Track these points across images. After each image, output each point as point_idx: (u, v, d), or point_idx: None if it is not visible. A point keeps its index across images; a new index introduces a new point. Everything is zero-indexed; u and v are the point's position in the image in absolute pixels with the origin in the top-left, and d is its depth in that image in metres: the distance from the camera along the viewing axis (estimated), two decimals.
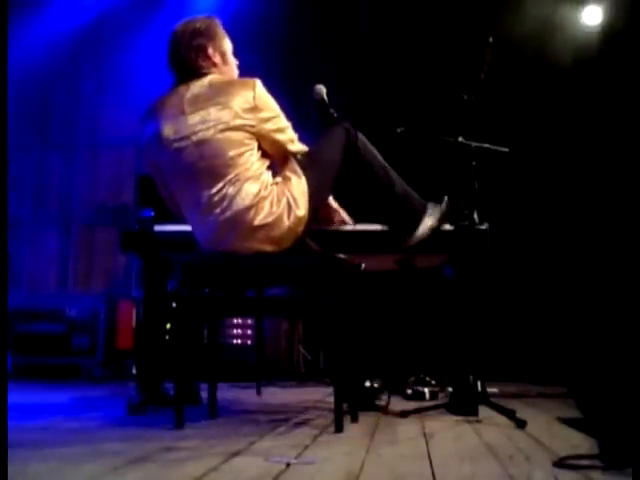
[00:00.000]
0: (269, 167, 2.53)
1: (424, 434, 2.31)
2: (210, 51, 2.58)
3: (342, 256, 2.45)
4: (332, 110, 2.80)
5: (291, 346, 4.85)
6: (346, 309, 2.42)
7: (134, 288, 5.10)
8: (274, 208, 2.43)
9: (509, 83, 4.67)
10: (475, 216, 2.83)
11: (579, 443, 2.12)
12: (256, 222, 2.41)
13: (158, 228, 2.96)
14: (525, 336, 4.58)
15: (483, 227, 2.87)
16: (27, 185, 5.64)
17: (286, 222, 2.43)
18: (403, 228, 2.70)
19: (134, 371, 4.47)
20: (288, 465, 1.74)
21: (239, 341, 4.79)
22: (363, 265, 2.66)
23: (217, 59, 2.60)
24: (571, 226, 4.58)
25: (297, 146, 2.60)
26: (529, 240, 4.73)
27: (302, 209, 2.47)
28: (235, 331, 4.80)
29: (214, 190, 2.43)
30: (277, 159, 2.58)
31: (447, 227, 2.85)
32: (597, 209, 4.46)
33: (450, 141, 2.94)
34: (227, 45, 2.66)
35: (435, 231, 2.69)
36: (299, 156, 2.59)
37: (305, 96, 2.83)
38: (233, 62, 2.68)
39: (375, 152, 2.71)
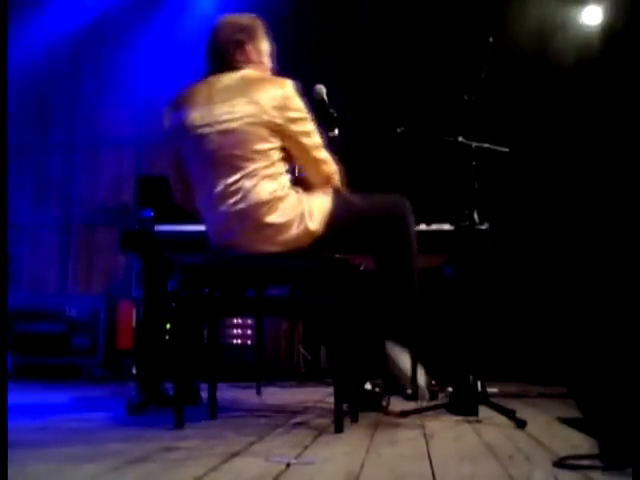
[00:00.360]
0: (289, 171, 2.52)
1: (424, 434, 2.31)
2: (248, 47, 2.58)
3: (341, 256, 2.45)
4: (332, 110, 2.81)
5: (291, 346, 4.85)
6: (346, 309, 2.42)
7: (134, 288, 5.10)
8: (287, 212, 2.41)
9: (509, 83, 4.67)
10: (475, 216, 2.83)
11: (579, 443, 2.12)
12: (266, 219, 2.40)
13: (158, 228, 2.96)
14: (525, 336, 4.58)
15: (483, 227, 2.87)
16: (27, 185, 5.64)
17: (294, 230, 2.41)
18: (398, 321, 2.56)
19: (134, 371, 4.47)
20: (288, 465, 1.74)
21: (239, 341, 4.80)
22: (363, 265, 2.65)
23: (254, 57, 2.59)
24: (571, 226, 4.58)
25: (323, 154, 2.55)
26: (529, 240, 4.73)
27: (315, 224, 2.43)
28: (235, 331, 4.80)
29: (230, 180, 2.42)
30: (303, 164, 2.56)
31: (447, 227, 2.86)
32: (597, 209, 4.46)
33: (450, 141, 2.94)
34: (266, 47, 2.65)
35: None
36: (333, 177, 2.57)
37: (305, 95, 2.83)
38: (268, 64, 2.67)
39: (414, 247, 2.55)
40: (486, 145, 2.95)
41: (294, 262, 2.44)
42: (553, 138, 4.76)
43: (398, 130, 2.94)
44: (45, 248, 5.60)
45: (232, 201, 2.42)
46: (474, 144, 2.91)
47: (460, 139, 2.92)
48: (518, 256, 4.68)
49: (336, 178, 2.60)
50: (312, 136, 2.53)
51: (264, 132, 2.43)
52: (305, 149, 2.51)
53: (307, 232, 2.42)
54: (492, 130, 3.10)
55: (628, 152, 4.35)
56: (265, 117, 2.43)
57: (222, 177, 2.43)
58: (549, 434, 2.34)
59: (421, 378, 2.51)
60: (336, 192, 2.54)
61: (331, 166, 2.58)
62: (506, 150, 3.01)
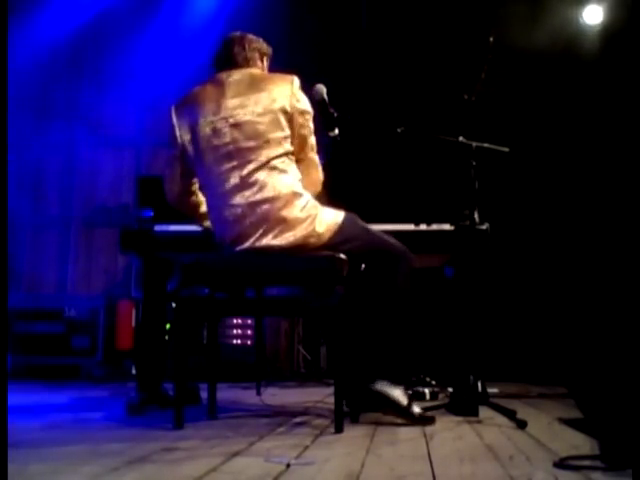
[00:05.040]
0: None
1: (424, 434, 2.31)
2: (265, 60, 2.71)
3: (342, 256, 2.45)
4: (332, 110, 2.80)
5: (291, 346, 4.84)
6: (346, 309, 2.41)
7: (134, 288, 5.09)
8: (302, 209, 2.44)
9: (509, 83, 4.66)
10: (475, 216, 2.83)
11: (580, 444, 2.11)
12: (281, 213, 2.42)
13: (158, 228, 2.96)
14: (525, 336, 4.58)
15: (483, 227, 2.87)
16: (27, 185, 5.63)
17: (303, 229, 2.43)
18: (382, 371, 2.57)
19: (134, 371, 4.47)
20: (288, 465, 1.74)
21: (239, 341, 4.79)
22: (363, 265, 2.65)
23: (264, 67, 2.71)
24: (571, 226, 4.58)
25: (317, 158, 2.62)
26: (529, 240, 4.73)
27: (322, 229, 2.46)
28: (235, 331, 4.79)
29: (245, 172, 2.45)
30: (299, 161, 2.57)
31: (447, 227, 2.86)
32: (598, 209, 4.45)
33: (450, 141, 2.94)
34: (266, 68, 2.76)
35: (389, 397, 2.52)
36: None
37: (305, 95, 2.83)
38: None
39: (406, 287, 2.56)
40: (486, 145, 2.95)
41: (294, 262, 2.44)
42: (553, 138, 4.76)
43: (398, 130, 2.94)
44: (45, 248, 5.59)
45: (248, 193, 2.44)
46: (474, 144, 2.91)
47: (460, 139, 2.92)
48: (518, 256, 4.68)
49: (320, 186, 2.67)
50: (312, 135, 2.59)
51: (275, 120, 2.48)
52: (304, 144, 2.56)
53: (314, 234, 2.44)
54: (492, 130, 3.10)
55: (628, 152, 4.35)
56: (276, 106, 2.49)
57: (237, 169, 2.46)
58: (550, 435, 2.33)
59: (416, 409, 2.52)
60: (349, 212, 2.58)
61: (319, 173, 2.66)
62: (506, 150, 3.01)
